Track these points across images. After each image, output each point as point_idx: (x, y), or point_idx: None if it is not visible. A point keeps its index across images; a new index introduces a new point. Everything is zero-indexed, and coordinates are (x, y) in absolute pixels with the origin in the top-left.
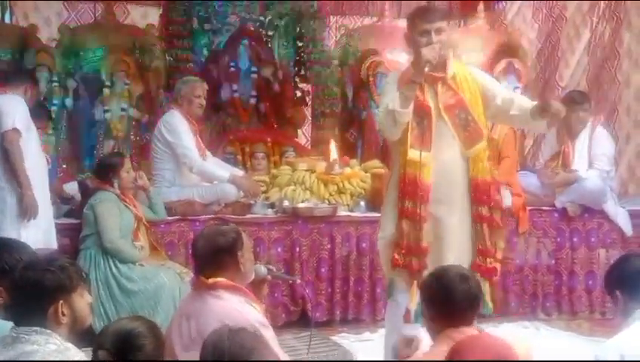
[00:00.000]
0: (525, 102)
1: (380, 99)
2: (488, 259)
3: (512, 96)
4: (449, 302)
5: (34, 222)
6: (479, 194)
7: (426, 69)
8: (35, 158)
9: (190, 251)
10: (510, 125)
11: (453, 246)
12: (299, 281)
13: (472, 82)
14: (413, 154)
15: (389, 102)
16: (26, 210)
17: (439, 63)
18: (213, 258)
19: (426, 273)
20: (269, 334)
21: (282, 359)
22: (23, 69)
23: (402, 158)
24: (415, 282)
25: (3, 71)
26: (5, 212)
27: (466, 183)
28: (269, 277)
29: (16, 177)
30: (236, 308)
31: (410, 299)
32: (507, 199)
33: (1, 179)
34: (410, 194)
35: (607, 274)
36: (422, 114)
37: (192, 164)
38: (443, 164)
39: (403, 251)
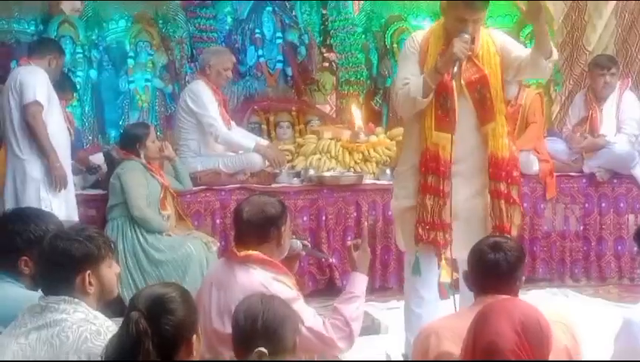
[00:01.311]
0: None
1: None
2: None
3: (523, 51)
4: (479, 269)
5: (56, 193)
6: (497, 171)
7: (455, 69)
8: (57, 130)
9: (218, 220)
10: (527, 77)
11: (467, 221)
12: (332, 260)
13: (493, 55)
14: (439, 138)
15: (411, 86)
16: (56, 182)
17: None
18: (258, 227)
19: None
20: (299, 306)
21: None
22: (47, 40)
23: (423, 132)
24: (444, 256)
25: (27, 42)
26: (28, 183)
27: (483, 157)
28: (303, 253)
29: (42, 150)
30: (262, 284)
31: (442, 273)
32: (534, 165)
33: (24, 152)
34: (433, 169)
35: None
36: (445, 93)
37: (217, 133)
38: (462, 137)
39: (427, 226)
